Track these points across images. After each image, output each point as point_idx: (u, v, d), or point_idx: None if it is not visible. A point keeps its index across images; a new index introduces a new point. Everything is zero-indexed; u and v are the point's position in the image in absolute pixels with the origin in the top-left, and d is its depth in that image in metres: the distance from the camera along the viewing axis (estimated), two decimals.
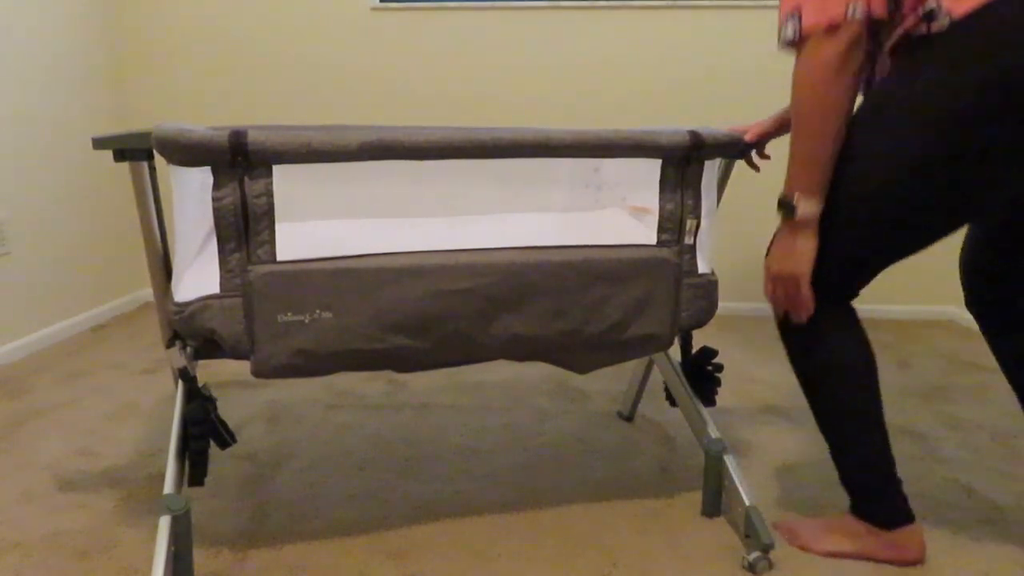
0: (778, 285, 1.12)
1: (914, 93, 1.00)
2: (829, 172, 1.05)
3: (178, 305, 1.02)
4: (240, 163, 0.97)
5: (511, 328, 1.12)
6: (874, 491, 1.20)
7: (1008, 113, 0.94)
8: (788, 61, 2.58)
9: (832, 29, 0.98)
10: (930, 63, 0.99)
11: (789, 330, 1.18)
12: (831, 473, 1.50)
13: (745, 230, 2.77)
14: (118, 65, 2.70)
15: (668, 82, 2.66)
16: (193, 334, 1.03)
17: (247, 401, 1.86)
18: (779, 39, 1.04)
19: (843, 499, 1.39)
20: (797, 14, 1.00)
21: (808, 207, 1.06)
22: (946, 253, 2.74)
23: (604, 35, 2.65)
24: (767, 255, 1.15)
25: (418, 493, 1.40)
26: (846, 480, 1.22)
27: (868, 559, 1.20)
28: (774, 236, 1.14)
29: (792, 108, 1.04)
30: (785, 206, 1.07)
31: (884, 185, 1.04)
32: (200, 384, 1.11)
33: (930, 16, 0.98)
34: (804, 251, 1.08)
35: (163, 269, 1.13)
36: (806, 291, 1.10)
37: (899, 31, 1.02)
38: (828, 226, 1.10)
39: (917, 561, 1.19)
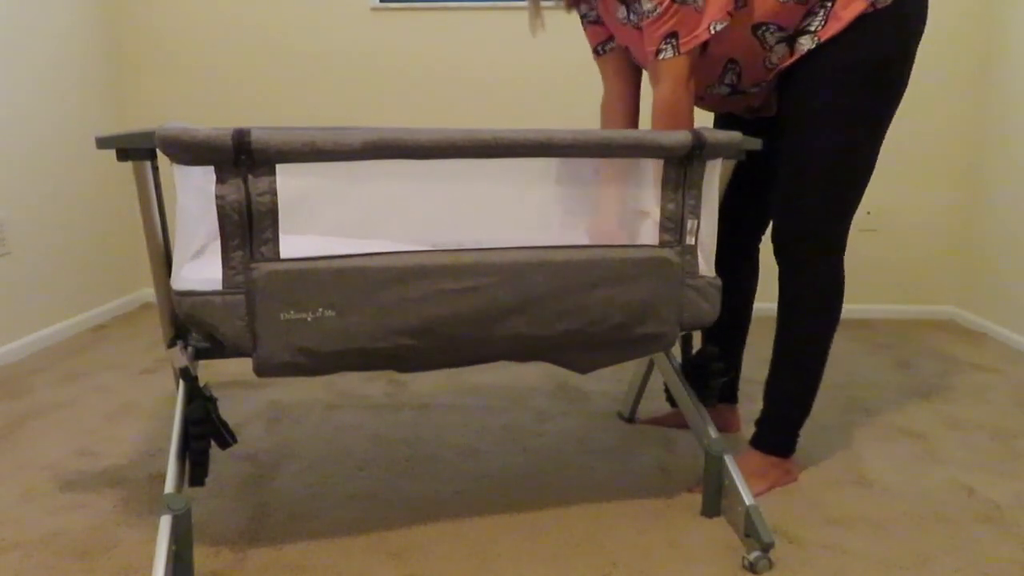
0: None
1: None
2: None
3: (176, 295, 1.02)
4: (243, 162, 0.97)
5: (514, 328, 1.12)
6: (799, 423, 1.44)
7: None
8: None
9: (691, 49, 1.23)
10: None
11: (826, 282, 1.41)
12: (831, 473, 1.50)
13: None
14: (118, 65, 2.70)
15: None
16: (195, 327, 1.04)
17: (247, 401, 1.86)
18: (653, 58, 1.24)
19: (842, 499, 1.40)
20: (675, 38, 1.22)
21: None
22: (946, 253, 2.74)
23: None
24: None
25: (418, 493, 1.40)
26: (799, 414, 1.43)
27: (771, 489, 1.42)
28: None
29: (669, 113, 1.24)
30: None
31: (867, 142, 1.33)
32: (201, 384, 1.11)
33: None
34: None
35: (165, 269, 1.13)
36: None
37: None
38: (842, 188, 1.32)
39: (795, 480, 1.46)
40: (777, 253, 1.41)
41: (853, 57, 1.26)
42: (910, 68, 1.32)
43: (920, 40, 1.31)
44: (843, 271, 1.41)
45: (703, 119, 2.65)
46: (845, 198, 1.34)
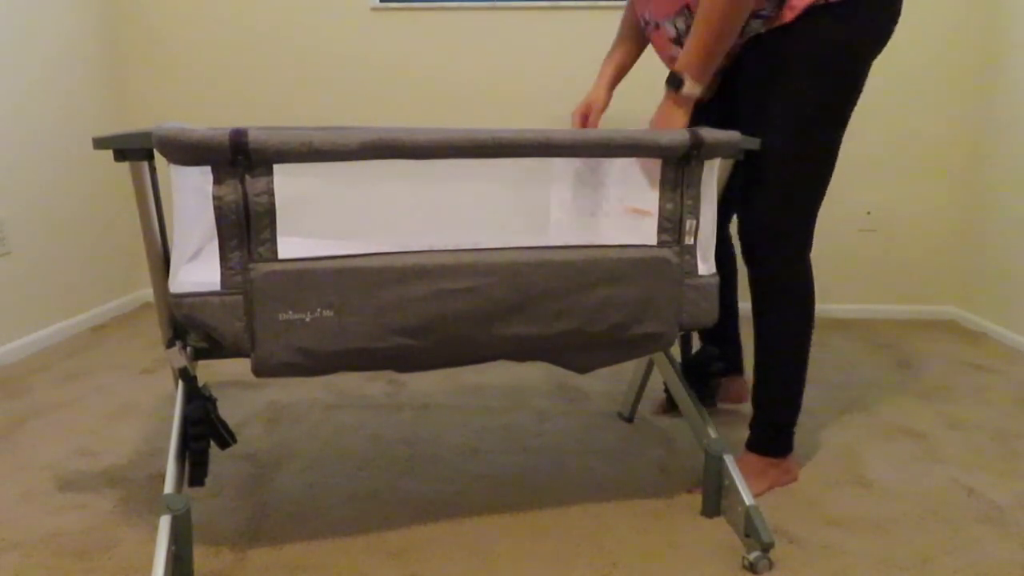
0: None
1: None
2: (716, 67, 1.23)
3: (174, 297, 1.02)
4: (241, 162, 0.97)
5: (513, 328, 1.12)
6: (791, 422, 1.43)
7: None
8: None
9: None
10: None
11: (792, 281, 1.36)
12: (831, 473, 1.50)
13: None
14: (118, 65, 2.70)
15: None
16: (194, 328, 1.04)
17: (247, 401, 1.86)
18: None
19: (842, 499, 1.40)
20: None
21: (692, 88, 1.23)
22: (946, 253, 2.74)
23: (604, 35, 2.64)
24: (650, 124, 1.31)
25: (418, 493, 1.40)
26: (789, 413, 1.42)
27: (771, 489, 1.42)
28: (658, 110, 1.28)
29: (711, 10, 1.17)
30: (675, 80, 1.23)
31: (821, 140, 1.30)
32: (200, 384, 1.11)
33: None
34: (677, 121, 1.26)
35: (163, 269, 1.13)
36: None
37: None
38: (807, 185, 1.31)
39: (795, 479, 1.46)
40: (744, 254, 1.40)
41: (801, 48, 1.24)
42: (863, 65, 1.29)
43: (881, 38, 1.29)
44: (810, 269, 1.36)
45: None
46: (803, 197, 1.32)
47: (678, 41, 1.35)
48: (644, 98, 2.69)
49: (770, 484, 1.42)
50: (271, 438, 1.64)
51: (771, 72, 1.28)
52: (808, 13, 1.23)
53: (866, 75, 1.29)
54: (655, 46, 1.47)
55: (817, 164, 1.31)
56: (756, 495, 1.36)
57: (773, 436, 1.43)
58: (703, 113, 1.48)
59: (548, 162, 1.27)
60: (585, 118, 1.57)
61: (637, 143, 1.11)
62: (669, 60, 1.43)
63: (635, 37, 1.60)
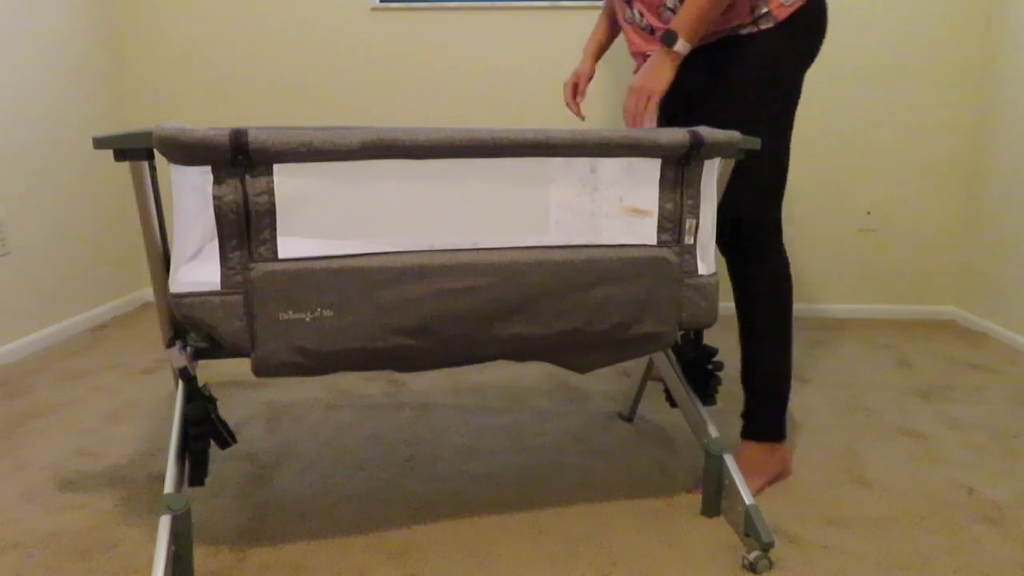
0: (638, 97, 1.37)
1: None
2: (705, 31, 1.35)
3: (174, 297, 1.02)
4: (241, 162, 0.97)
5: (513, 328, 1.12)
6: (783, 405, 1.47)
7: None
8: None
9: None
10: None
11: (772, 264, 1.45)
12: (831, 473, 1.50)
13: None
14: (118, 65, 2.70)
15: None
16: (194, 328, 1.04)
17: (247, 401, 1.86)
18: None
19: (842, 499, 1.40)
20: None
21: (683, 47, 1.34)
22: (946, 253, 2.74)
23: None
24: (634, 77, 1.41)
25: (418, 493, 1.40)
26: (779, 398, 1.47)
27: (773, 483, 1.46)
28: (647, 63, 1.39)
29: None
30: (670, 38, 1.34)
31: (788, 130, 1.44)
32: (200, 384, 1.11)
33: None
34: (664, 75, 1.36)
35: (163, 269, 1.13)
36: (653, 105, 1.36)
37: None
38: (776, 169, 1.42)
39: (790, 471, 1.51)
40: (725, 246, 1.47)
41: (747, 66, 1.40)
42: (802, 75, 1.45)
43: (807, 55, 1.43)
44: (784, 254, 1.46)
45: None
46: (774, 187, 1.44)
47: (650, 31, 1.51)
48: None
49: (768, 476, 1.45)
50: (271, 438, 1.64)
51: (721, 85, 1.43)
52: (775, 27, 1.39)
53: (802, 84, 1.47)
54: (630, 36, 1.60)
55: (780, 157, 1.43)
56: (757, 490, 1.41)
57: (766, 422, 1.47)
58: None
59: (548, 162, 1.27)
60: (575, 87, 1.76)
61: (637, 143, 1.11)
62: (635, 46, 1.56)
63: (614, 15, 1.79)
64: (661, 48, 1.35)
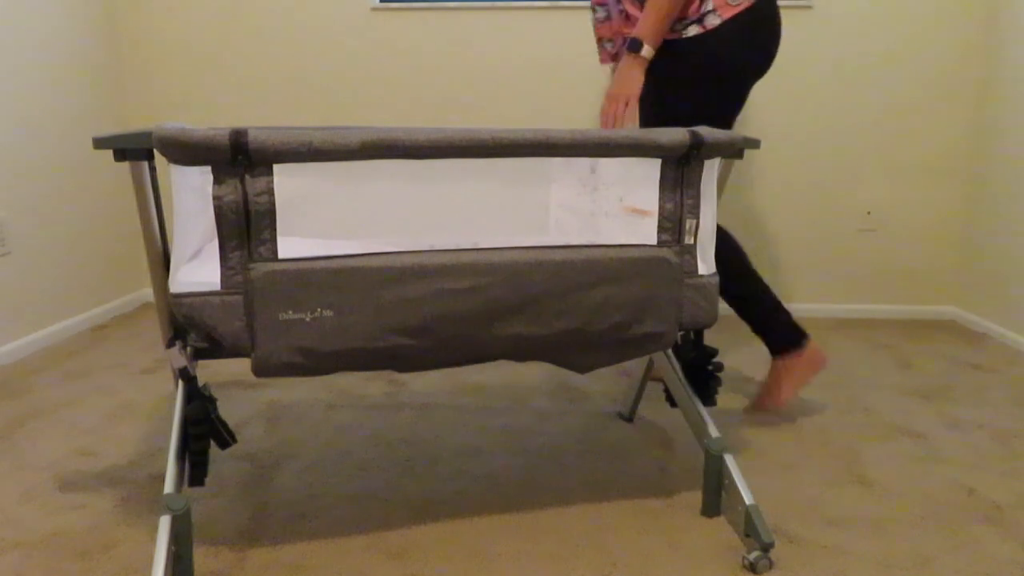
0: (615, 103, 1.50)
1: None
2: (664, 35, 1.49)
3: (174, 297, 1.02)
4: (241, 162, 0.97)
5: (513, 328, 1.12)
6: (783, 322, 1.64)
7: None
8: (778, 62, 2.57)
9: None
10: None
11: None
12: (831, 473, 1.50)
13: (743, 230, 2.77)
14: (118, 65, 2.70)
15: None
16: (194, 328, 1.04)
17: (247, 401, 1.86)
18: None
19: (842, 499, 1.40)
20: None
21: (649, 52, 1.48)
22: (946, 253, 2.74)
23: None
24: (609, 88, 1.53)
25: (418, 493, 1.40)
26: (769, 326, 1.65)
27: (805, 384, 1.70)
28: (617, 69, 1.52)
29: None
30: (636, 44, 1.47)
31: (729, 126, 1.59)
32: (200, 384, 1.11)
33: None
34: (637, 79, 1.49)
35: (163, 269, 1.13)
36: (632, 109, 1.49)
37: None
38: None
39: (825, 362, 1.68)
40: None
41: (689, 65, 1.52)
42: (749, 80, 1.57)
43: (753, 55, 1.54)
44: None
45: None
46: None
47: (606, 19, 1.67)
48: None
49: (801, 375, 1.64)
50: (271, 438, 1.64)
51: (674, 77, 1.54)
52: (712, 32, 1.50)
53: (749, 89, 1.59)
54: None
55: None
56: (798, 387, 1.66)
57: (777, 334, 1.65)
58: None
59: (548, 162, 1.27)
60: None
61: (637, 143, 1.11)
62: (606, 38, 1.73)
63: None
64: (629, 55, 1.47)
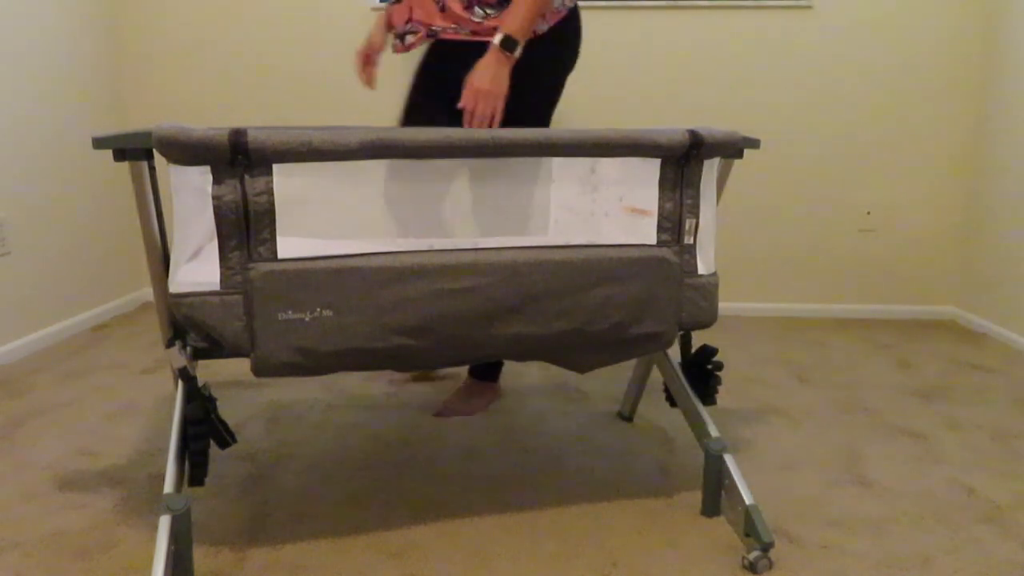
0: (487, 102, 1.48)
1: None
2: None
3: (174, 297, 1.02)
4: (240, 162, 0.97)
5: (512, 328, 1.12)
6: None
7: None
8: (778, 62, 2.57)
9: None
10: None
11: None
12: (831, 473, 1.50)
13: (743, 230, 2.77)
14: (118, 65, 2.70)
15: (667, 82, 2.66)
16: (193, 328, 1.04)
17: (247, 401, 1.86)
18: None
19: (842, 499, 1.40)
20: None
21: (520, 50, 1.49)
22: (946, 253, 2.74)
23: (602, 35, 2.65)
24: (473, 80, 1.49)
25: (418, 493, 1.40)
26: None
27: (483, 410, 1.81)
28: (484, 66, 1.48)
29: None
30: (511, 43, 1.47)
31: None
32: (200, 384, 1.11)
33: None
34: (507, 79, 1.49)
35: (163, 269, 1.13)
36: (500, 108, 1.48)
37: None
38: None
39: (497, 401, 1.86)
40: None
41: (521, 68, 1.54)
42: (555, 84, 1.67)
43: (570, 60, 1.67)
44: None
45: (696, 118, 2.65)
46: None
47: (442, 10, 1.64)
48: (641, 100, 2.69)
49: (485, 403, 1.82)
50: (271, 438, 1.64)
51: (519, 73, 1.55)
52: (546, 32, 1.56)
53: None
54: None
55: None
56: (473, 413, 1.77)
57: (496, 366, 1.85)
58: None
59: (548, 162, 1.27)
60: (367, 57, 1.82)
61: (636, 143, 1.11)
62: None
63: None
64: (501, 53, 1.48)
